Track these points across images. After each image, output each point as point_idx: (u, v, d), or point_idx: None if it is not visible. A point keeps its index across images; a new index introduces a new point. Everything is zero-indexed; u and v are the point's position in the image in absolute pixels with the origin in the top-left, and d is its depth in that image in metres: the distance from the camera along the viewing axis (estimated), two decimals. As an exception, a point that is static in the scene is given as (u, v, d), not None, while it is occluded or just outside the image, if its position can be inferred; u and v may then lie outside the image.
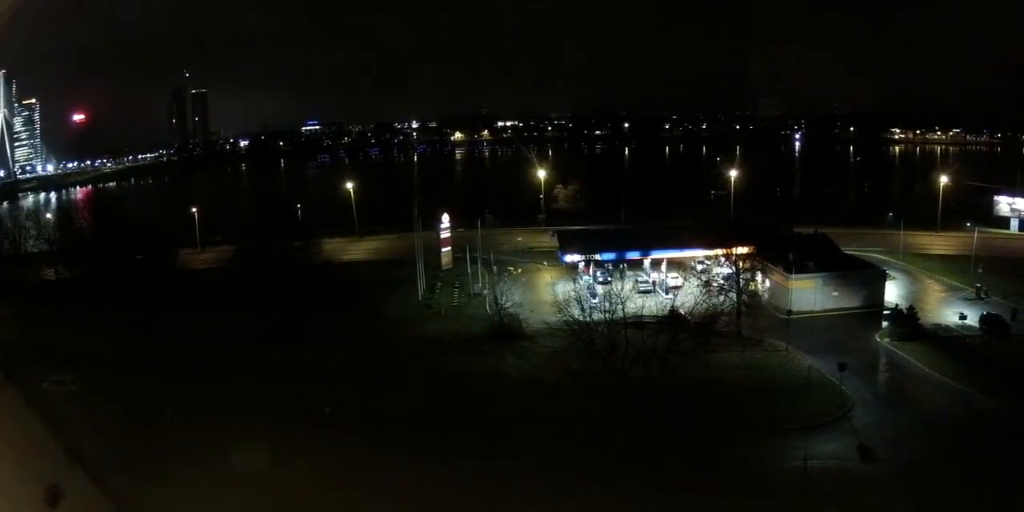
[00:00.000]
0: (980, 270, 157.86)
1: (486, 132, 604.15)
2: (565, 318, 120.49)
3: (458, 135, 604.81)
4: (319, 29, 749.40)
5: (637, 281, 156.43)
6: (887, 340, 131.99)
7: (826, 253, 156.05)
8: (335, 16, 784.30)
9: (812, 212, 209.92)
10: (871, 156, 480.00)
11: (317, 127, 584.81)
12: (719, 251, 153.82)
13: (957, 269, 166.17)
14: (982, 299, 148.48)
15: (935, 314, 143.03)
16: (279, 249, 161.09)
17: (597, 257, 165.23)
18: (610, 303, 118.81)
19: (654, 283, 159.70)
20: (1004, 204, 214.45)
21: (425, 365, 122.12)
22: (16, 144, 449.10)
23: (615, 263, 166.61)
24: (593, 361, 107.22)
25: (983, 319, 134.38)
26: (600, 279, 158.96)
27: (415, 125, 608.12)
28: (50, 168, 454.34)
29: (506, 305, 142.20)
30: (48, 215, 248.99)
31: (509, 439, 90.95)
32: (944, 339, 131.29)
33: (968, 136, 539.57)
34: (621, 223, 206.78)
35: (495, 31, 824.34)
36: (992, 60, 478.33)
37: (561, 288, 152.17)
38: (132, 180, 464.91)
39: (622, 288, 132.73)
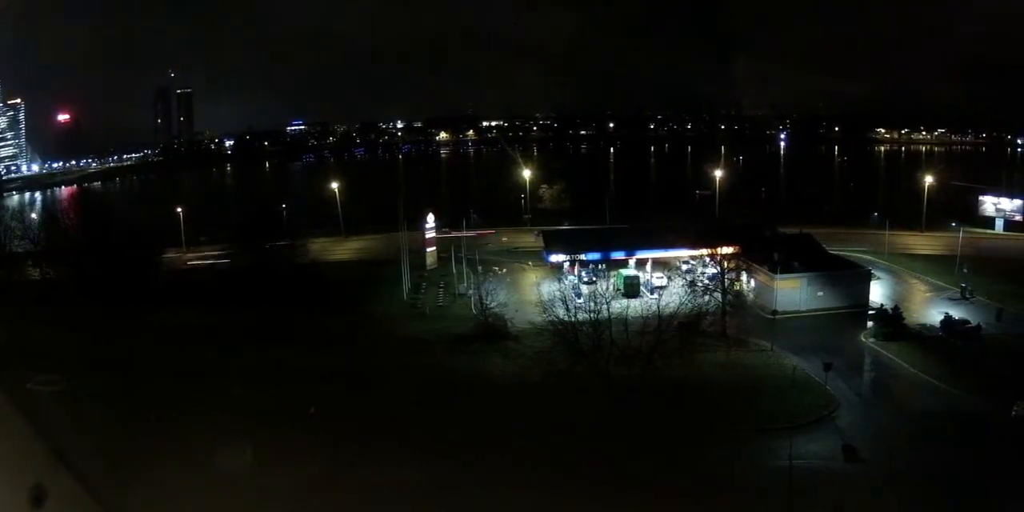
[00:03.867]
0: (965, 270, 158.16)
1: (471, 132, 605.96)
2: (550, 318, 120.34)
3: (443, 135, 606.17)
4: (305, 29, 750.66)
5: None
6: (872, 340, 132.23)
7: (811, 253, 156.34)
8: (321, 16, 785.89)
9: (797, 212, 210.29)
10: (856, 156, 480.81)
11: (302, 127, 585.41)
12: (704, 251, 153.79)
13: (942, 269, 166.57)
14: (967, 299, 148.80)
15: (920, 314, 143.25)
16: (264, 249, 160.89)
17: (582, 257, 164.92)
18: (595, 303, 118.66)
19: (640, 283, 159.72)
20: (989, 204, 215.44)
21: (410, 365, 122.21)
22: (1, 144, 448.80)
23: (596, 263, 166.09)
24: (578, 361, 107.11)
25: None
26: (585, 279, 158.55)
27: (400, 125, 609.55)
28: (35, 168, 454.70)
29: (491, 305, 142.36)
30: (33, 215, 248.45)
31: (494, 439, 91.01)
32: (929, 339, 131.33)
33: (953, 136, 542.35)
34: (606, 223, 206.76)
35: (481, 31, 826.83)
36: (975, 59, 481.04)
37: (546, 288, 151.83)
38: (117, 180, 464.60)
39: (607, 288, 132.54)
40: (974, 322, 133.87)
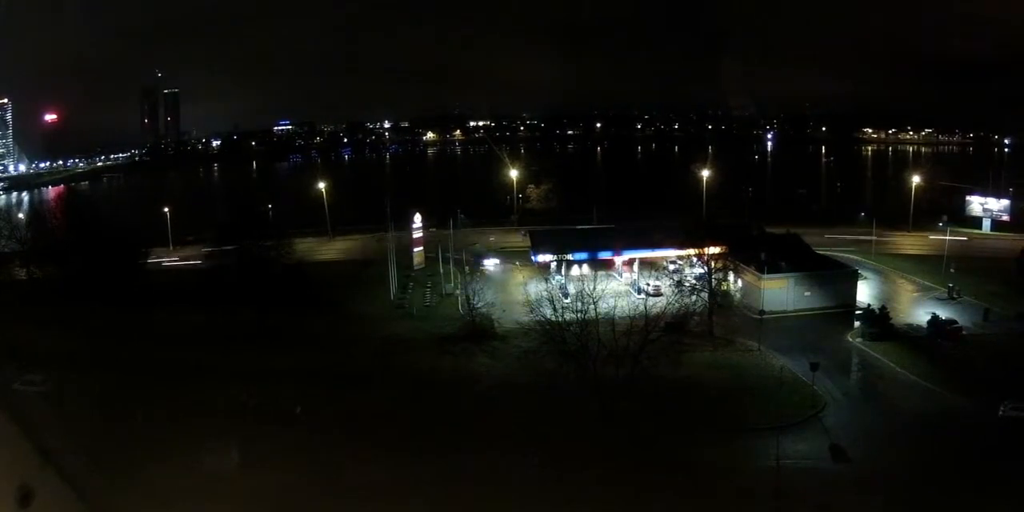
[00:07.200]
0: (952, 270, 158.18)
1: (458, 132, 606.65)
2: (537, 318, 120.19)
3: (430, 135, 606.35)
4: (293, 29, 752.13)
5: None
6: (859, 340, 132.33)
7: (798, 253, 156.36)
8: (310, 16, 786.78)
9: (784, 212, 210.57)
10: (843, 156, 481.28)
11: (289, 127, 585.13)
12: (691, 251, 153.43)
13: (929, 269, 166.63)
14: (954, 299, 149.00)
15: (907, 314, 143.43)
16: (251, 249, 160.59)
17: (569, 257, 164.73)
18: (582, 303, 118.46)
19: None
20: (976, 204, 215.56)
21: (396, 365, 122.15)
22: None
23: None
24: (565, 361, 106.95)
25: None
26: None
27: (387, 125, 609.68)
28: (22, 168, 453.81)
29: (478, 305, 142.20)
30: (20, 215, 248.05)
31: (480, 439, 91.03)
32: (916, 339, 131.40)
33: (940, 136, 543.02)
34: (593, 223, 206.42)
35: (468, 32, 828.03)
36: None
37: (533, 288, 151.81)
38: (104, 179, 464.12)
39: (594, 288, 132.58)
40: (962, 322, 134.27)
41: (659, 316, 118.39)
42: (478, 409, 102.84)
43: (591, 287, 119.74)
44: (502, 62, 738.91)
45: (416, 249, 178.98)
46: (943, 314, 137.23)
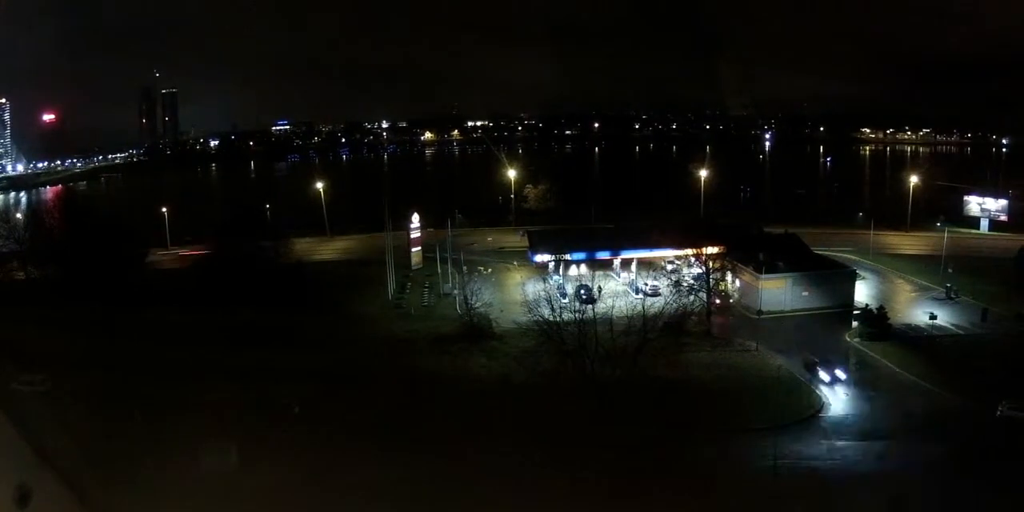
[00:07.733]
0: (950, 270, 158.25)
1: (456, 132, 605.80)
2: (535, 318, 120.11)
3: (428, 135, 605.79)
4: (292, 29, 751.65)
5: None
6: (857, 340, 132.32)
7: (796, 253, 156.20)
8: (307, 16, 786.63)
9: (782, 212, 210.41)
10: (841, 156, 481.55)
11: (287, 127, 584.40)
12: (689, 251, 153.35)
13: (927, 269, 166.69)
14: (952, 299, 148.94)
15: (905, 314, 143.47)
16: (249, 249, 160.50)
17: (567, 257, 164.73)
18: (580, 302, 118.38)
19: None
20: (974, 204, 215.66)
21: (394, 365, 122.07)
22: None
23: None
24: (563, 361, 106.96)
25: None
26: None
27: (385, 125, 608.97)
28: (20, 168, 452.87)
29: (476, 305, 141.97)
30: (18, 215, 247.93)
31: (477, 439, 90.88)
32: (914, 339, 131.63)
33: (938, 136, 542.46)
34: (591, 223, 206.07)
35: (467, 32, 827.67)
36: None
37: (531, 288, 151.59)
38: (103, 180, 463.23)
39: (592, 288, 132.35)
40: (959, 322, 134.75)
41: (657, 316, 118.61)
42: (477, 409, 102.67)
43: (590, 286, 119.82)
44: (500, 62, 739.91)
45: (414, 249, 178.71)
46: (941, 314, 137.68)
